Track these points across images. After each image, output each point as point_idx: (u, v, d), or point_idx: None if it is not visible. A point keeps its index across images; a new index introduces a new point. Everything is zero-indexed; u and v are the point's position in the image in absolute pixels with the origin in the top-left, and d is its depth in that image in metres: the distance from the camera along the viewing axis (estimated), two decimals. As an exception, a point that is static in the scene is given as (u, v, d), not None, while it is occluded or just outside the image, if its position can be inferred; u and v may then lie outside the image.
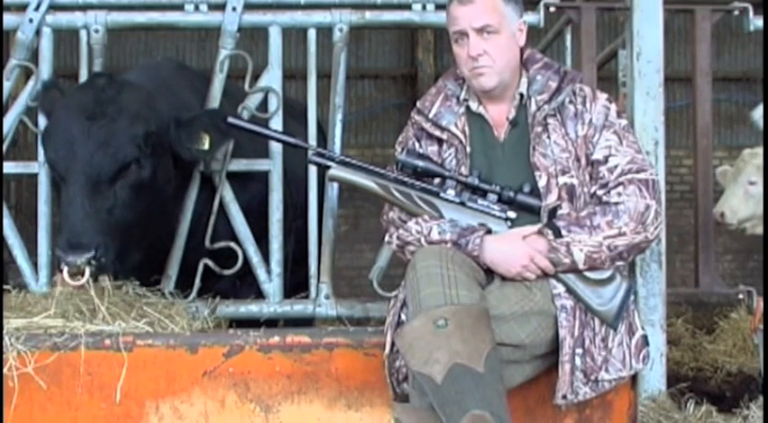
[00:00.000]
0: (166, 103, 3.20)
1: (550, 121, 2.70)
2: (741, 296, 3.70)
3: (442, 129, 2.75)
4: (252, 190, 3.39)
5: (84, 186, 2.86)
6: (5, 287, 3.11)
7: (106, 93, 2.98)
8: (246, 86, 3.36)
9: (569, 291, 2.59)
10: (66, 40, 3.78)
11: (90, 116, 2.92)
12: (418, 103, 2.82)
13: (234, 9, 3.33)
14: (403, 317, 2.59)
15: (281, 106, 3.35)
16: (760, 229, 4.80)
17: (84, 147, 2.88)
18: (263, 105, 3.36)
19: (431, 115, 2.77)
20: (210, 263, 3.25)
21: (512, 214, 2.67)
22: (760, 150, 4.79)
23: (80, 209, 2.83)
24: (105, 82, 3.01)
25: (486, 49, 2.66)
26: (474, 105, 2.77)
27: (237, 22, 3.34)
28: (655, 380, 3.01)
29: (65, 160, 2.90)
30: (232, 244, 3.27)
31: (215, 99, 3.35)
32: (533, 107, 2.70)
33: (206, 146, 3.10)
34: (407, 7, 3.44)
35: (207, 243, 3.26)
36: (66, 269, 2.78)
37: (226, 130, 3.07)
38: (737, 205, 4.76)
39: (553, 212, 2.64)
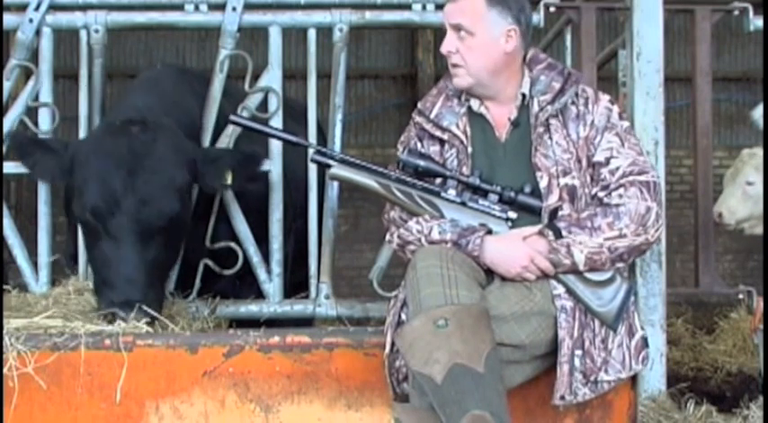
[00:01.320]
0: (179, 122, 3.19)
1: (552, 121, 2.70)
2: (741, 296, 3.70)
3: (444, 129, 2.75)
4: (252, 190, 3.39)
5: (132, 241, 2.86)
6: (5, 287, 3.12)
7: (142, 141, 2.95)
8: (246, 86, 3.36)
9: (569, 292, 2.59)
10: (66, 40, 3.79)
11: (132, 169, 2.90)
12: (419, 104, 2.82)
13: (234, 9, 3.33)
14: (403, 317, 2.59)
15: (282, 106, 3.35)
16: (758, 230, 4.81)
17: (129, 202, 2.87)
18: (263, 105, 3.36)
19: (432, 116, 2.77)
20: (211, 263, 3.25)
21: (512, 215, 2.66)
22: (758, 151, 4.79)
23: (131, 266, 2.85)
24: (139, 129, 2.97)
25: (459, 48, 2.68)
26: (475, 106, 2.76)
27: (237, 22, 3.34)
28: (655, 380, 3.01)
29: (109, 214, 2.87)
30: (232, 244, 3.28)
31: (215, 99, 3.35)
32: (536, 108, 2.70)
33: (229, 181, 3.12)
34: (407, 7, 3.45)
35: (207, 243, 3.26)
36: (118, 320, 2.81)
37: (250, 168, 3.13)
38: (735, 205, 4.77)
39: (554, 213, 2.64)
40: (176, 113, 3.24)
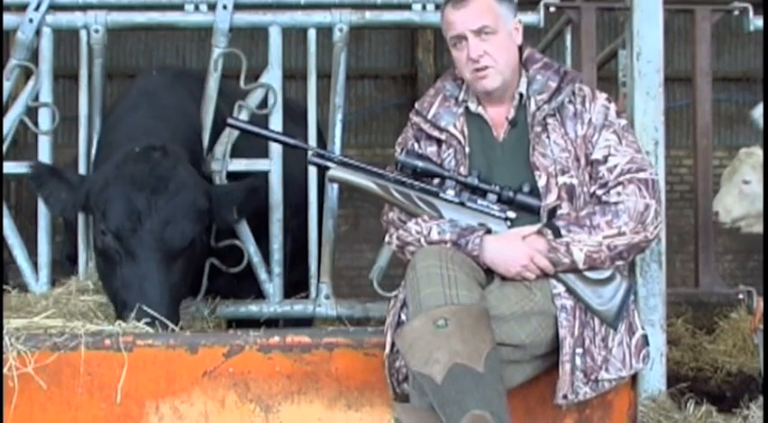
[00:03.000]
0: (189, 140, 3.23)
1: (550, 120, 2.70)
2: (741, 296, 3.70)
3: (441, 129, 2.75)
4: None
5: (157, 262, 2.89)
6: (5, 287, 3.12)
7: (163, 167, 2.98)
8: (241, 84, 3.35)
9: (569, 290, 2.59)
10: (66, 40, 3.79)
11: (155, 191, 2.93)
12: (417, 105, 2.82)
13: (225, 7, 3.33)
14: (403, 317, 2.59)
15: (281, 104, 3.35)
16: (755, 229, 4.82)
17: (154, 224, 2.90)
18: (263, 104, 3.36)
19: (429, 116, 2.77)
20: (216, 261, 3.26)
21: (511, 214, 2.67)
22: (756, 150, 4.80)
23: (154, 287, 2.87)
24: (161, 156, 3.00)
25: (487, 50, 2.66)
26: (473, 106, 2.77)
27: (229, 21, 3.33)
28: (655, 380, 3.01)
29: (132, 236, 2.89)
30: (237, 242, 3.28)
31: (211, 98, 3.35)
32: (533, 107, 2.70)
33: (235, 215, 3.17)
34: (407, 7, 3.45)
35: (212, 242, 3.26)
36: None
37: (254, 202, 3.18)
38: (731, 204, 4.77)
39: (553, 212, 2.64)
40: (182, 133, 3.26)
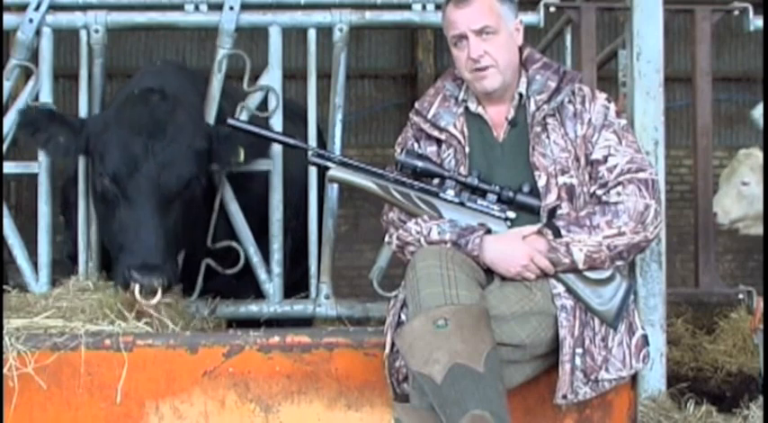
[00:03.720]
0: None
1: (550, 120, 2.70)
2: (741, 296, 3.70)
3: (441, 129, 2.75)
4: (250, 189, 3.39)
5: (153, 206, 2.90)
6: (5, 287, 3.12)
7: (162, 109, 3.01)
8: (245, 86, 3.35)
9: (569, 290, 2.59)
10: (66, 40, 3.78)
11: (152, 134, 2.95)
12: (417, 104, 2.82)
13: (231, 8, 3.33)
14: (403, 317, 2.59)
15: (281, 105, 3.35)
16: (753, 230, 4.83)
17: (150, 166, 2.92)
18: (263, 105, 3.36)
19: (429, 116, 2.77)
20: (212, 262, 3.26)
21: (511, 214, 2.67)
22: (754, 151, 4.81)
23: (151, 230, 2.88)
24: (159, 98, 3.03)
25: (487, 50, 2.66)
26: (473, 106, 2.77)
27: (235, 22, 3.34)
28: (655, 380, 3.01)
29: (129, 178, 2.91)
30: (234, 243, 3.28)
31: (214, 99, 3.35)
32: (532, 107, 2.70)
33: (242, 157, 3.15)
34: (407, 7, 3.44)
35: (209, 243, 3.26)
36: (137, 287, 2.82)
37: (261, 145, 3.15)
38: (730, 205, 4.78)
39: (552, 212, 2.64)
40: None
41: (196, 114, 3.15)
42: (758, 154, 4.73)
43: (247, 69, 3.32)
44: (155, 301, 2.84)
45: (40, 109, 3.21)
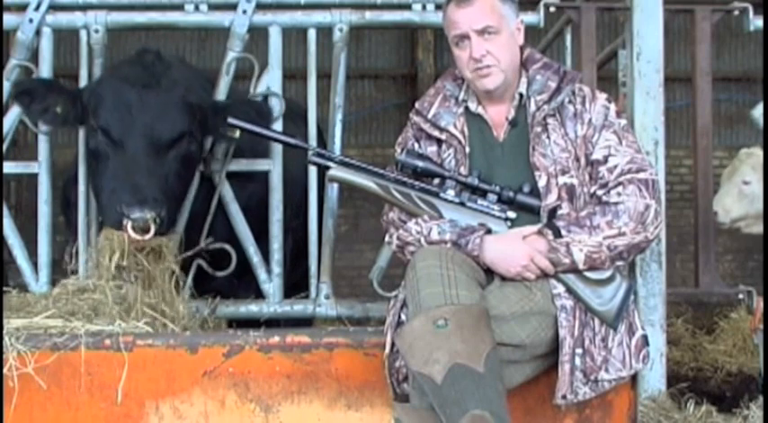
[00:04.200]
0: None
1: (550, 121, 2.70)
2: (741, 296, 3.69)
3: (441, 129, 2.75)
4: (249, 189, 3.39)
5: (145, 151, 2.94)
6: (5, 287, 3.11)
7: (156, 67, 3.08)
8: (252, 89, 3.35)
9: (569, 291, 2.59)
10: (66, 40, 3.78)
11: (146, 85, 3.00)
12: (417, 104, 2.82)
13: (244, 12, 3.33)
14: (403, 317, 2.59)
15: (282, 109, 3.35)
16: (754, 229, 4.82)
17: (143, 113, 2.96)
18: (264, 106, 3.36)
19: (429, 116, 2.77)
20: (204, 264, 3.25)
21: (511, 214, 2.67)
22: (756, 150, 4.81)
23: (143, 169, 2.91)
24: (154, 57, 3.11)
25: (489, 50, 2.66)
26: (473, 106, 2.77)
27: (247, 25, 3.33)
28: (655, 380, 3.01)
29: (122, 126, 2.96)
30: (227, 246, 3.27)
31: (221, 100, 3.35)
32: (533, 107, 2.70)
33: (237, 133, 3.15)
34: (407, 7, 3.44)
35: (202, 243, 3.26)
36: (130, 224, 2.82)
37: (260, 118, 3.15)
38: (730, 204, 4.78)
39: (553, 212, 2.64)
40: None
41: (195, 76, 3.19)
42: (759, 153, 4.73)
43: (255, 72, 3.32)
44: (149, 236, 2.83)
45: (32, 79, 3.23)
